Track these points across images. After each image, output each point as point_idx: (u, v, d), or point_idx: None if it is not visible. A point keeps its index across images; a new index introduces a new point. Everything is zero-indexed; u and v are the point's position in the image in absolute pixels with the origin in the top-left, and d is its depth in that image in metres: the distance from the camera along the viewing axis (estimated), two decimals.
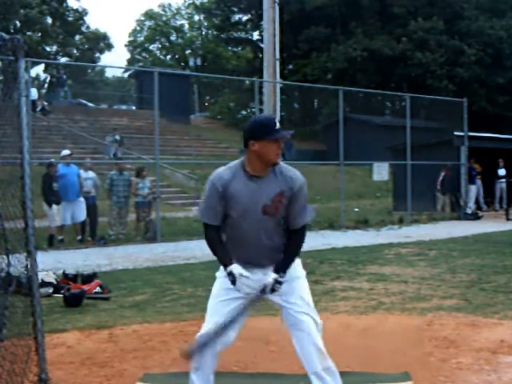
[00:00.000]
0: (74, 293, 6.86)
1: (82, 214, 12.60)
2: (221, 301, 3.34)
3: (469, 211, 18.24)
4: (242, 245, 3.35)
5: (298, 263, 3.45)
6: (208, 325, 3.32)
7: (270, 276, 3.25)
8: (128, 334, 5.39)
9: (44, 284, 7.04)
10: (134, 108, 37.92)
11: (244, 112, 40.49)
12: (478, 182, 19.39)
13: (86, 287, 7.19)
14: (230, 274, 3.22)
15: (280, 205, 3.28)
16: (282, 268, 3.27)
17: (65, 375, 4.23)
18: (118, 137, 24.35)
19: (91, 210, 12.91)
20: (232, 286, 3.25)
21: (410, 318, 5.77)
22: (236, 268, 3.22)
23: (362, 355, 4.52)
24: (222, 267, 3.41)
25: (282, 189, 3.27)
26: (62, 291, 6.99)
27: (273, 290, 3.25)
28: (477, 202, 19.45)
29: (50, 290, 7.27)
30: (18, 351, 3.58)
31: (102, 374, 4.29)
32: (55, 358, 4.45)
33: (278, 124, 3.28)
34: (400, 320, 5.70)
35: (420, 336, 5.09)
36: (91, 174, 13.24)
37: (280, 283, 3.24)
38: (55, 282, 7.43)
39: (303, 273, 3.47)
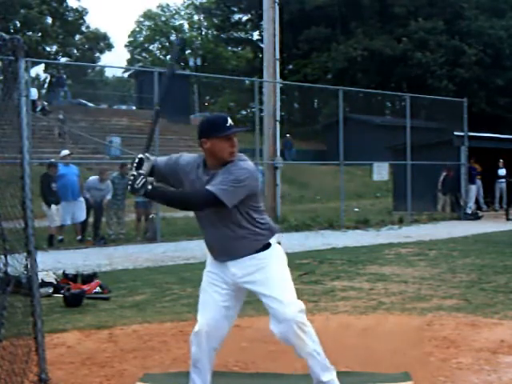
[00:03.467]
0: (74, 293, 6.85)
1: (82, 214, 12.58)
2: (206, 296, 3.42)
3: (469, 211, 18.24)
4: (208, 237, 3.45)
5: (275, 253, 3.40)
6: (200, 320, 3.41)
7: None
8: (128, 334, 5.39)
9: (44, 284, 7.03)
10: (134, 108, 37.93)
11: (244, 112, 40.52)
12: (478, 182, 19.39)
13: (86, 287, 7.19)
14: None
15: None
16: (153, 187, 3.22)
17: (65, 375, 4.22)
18: (61, 116, 25.05)
19: (97, 210, 12.89)
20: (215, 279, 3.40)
21: (410, 318, 5.76)
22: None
23: (362, 355, 4.51)
24: (207, 263, 3.50)
25: None
26: (62, 291, 6.99)
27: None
28: (477, 201, 19.46)
29: (50, 290, 7.27)
30: (18, 351, 3.58)
31: (102, 374, 4.28)
32: (55, 358, 4.45)
33: (229, 121, 3.28)
34: (400, 320, 5.70)
35: (420, 336, 5.08)
36: (107, 184, 12.93)
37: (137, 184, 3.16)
38: (55, 282, 7.43)
39: (279, 261, 3.41)
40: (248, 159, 3.36)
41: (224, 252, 3.36)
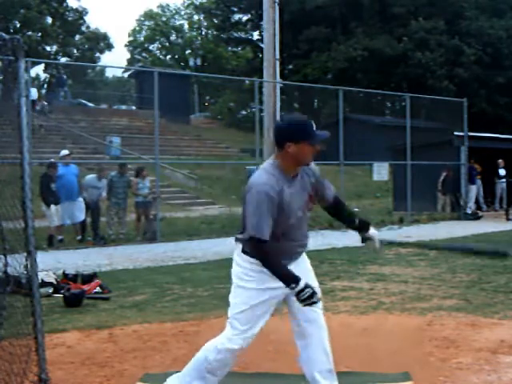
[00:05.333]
0: (74, 293, 6.85)
1: (80, 215, 12.56)
2: (257, 314, 3.27)
3: (469, 211, 18.24)
4: (284, 243, 3.28)
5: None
6: (245, 338, 3.28)
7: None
8: (128, 334, 5.39)
9: (44, 284, 7.03)
10: (133, 108, 37.93)
11: (244, 112, 40.50)
12: (478, 181, 19.40)
13: (86, 287, 7.19)
14: (308, 287, 3.10)
15: (313, 195, 3.37)
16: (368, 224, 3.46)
17: (65, 375, 4.22)
18: (43, 107, 25.47)
19: (94, 211, 12.88)
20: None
21: (409, 318, 5.77)
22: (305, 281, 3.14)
23: (362, 355, 4.51)
24: (264, 279, 3.22)
25: (312, 182, 3.34)
26: (62, 291, 6.99)
27: None
28: (477, 201, 19.45)
29: (50, 290, 7.27)
30: (17, 351, 3.58)
31: (102, 374, 4.28)
32: (55, 358, 4.45)
33: (314, 124, 3.21)
34: (400, 320, 5.70)
35: (420, 336, 5.08)
36: (104, 181, 12.98)
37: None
38: (55, 282, 7.43)
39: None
40: None
41: (298, 253, 3.37)
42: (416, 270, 8.70)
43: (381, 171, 17.85)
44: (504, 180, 19.64)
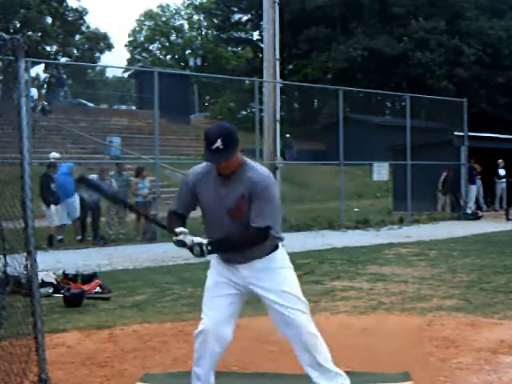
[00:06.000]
0: (74, 293, 6.86)
1: (75, 212, 12.54)
2: (213, 296, 3.44)
3: (469, 211, 18.24)
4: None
5: (282, 257, 3.50)
6: (206, 319, 3.42)
7: (201, 241, 3.31)
8: (128, 334, 5.39)
9: (44, 284, 7.03)
10: (133, 108, 37.91)
11: (244, 112, 40.47)
12: (478, 181, 19.40)
13: (86, 287, 7.19)
14: (177, 241, 3.38)
15: (244, 207, 3.28)
16: (211, 244, 3.31)
17: (65, 375, 4.22)
18: (41, 106, 25.47)
19: (94, 211, 12.87)
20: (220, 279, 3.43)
21: (409, 318, 5.77)
22: (180, 229, 3.39)
23: (362, 355, 4.52)
24: (213, 263, 3.55)
25: (242, 192, 3.27)
26: (62, 291, 6.99)
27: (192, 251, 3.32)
28: (477, 201, 19.46)
29: (50, 290, 7.27)
30: (17, 351, 3.58)
31: (102, 374, 4.28)
32: (55, 358, 4.45)
33: (217, 143, 3.11)
34: (400, 320, 5.70)
35: (420, 336, 5.08)
36: (107, 183, 12.89)
37: (203, 250, 3.29)
38: (55, 282, 7.43)
39: (287, 265, 3.50)
40: (251, 161, 3.38)
41: (238, 256, 3.40)
42: (416, 269, 8.70)
43: (381, 171, 17.86)
44: (504, 180, 19.64)
